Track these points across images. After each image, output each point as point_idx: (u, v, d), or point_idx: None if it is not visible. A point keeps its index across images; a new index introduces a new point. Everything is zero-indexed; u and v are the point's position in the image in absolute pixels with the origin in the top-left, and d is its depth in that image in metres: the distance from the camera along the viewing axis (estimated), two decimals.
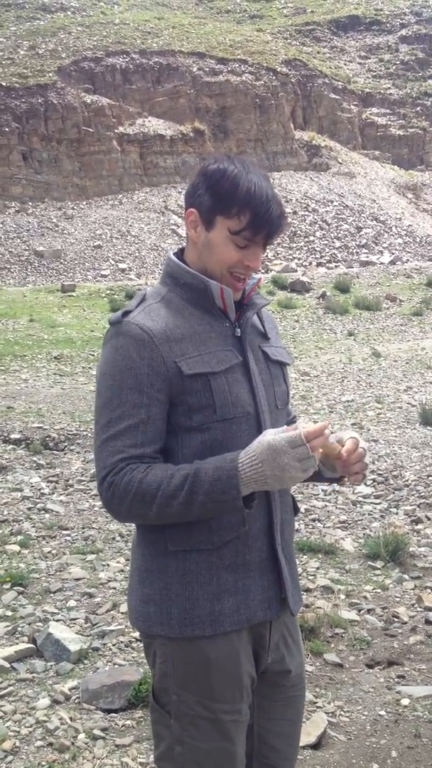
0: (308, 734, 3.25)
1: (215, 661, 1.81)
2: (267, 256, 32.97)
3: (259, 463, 1.67)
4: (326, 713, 3.49)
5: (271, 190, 1.82)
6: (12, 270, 29.85)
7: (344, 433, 1.87)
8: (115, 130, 37.40)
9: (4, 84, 36.12)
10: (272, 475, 1.67)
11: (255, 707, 1.93)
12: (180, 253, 1.95)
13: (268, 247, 1.92)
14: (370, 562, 5.30)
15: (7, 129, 34.99)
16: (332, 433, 1.85)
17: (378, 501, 6.69)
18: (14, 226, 32.73)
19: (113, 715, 3.44)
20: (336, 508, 6.53)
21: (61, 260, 30.77)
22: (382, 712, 3.52)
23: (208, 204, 1.84)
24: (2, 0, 46.91)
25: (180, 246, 1.99)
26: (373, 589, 4.88)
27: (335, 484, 1.98)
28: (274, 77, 41.99)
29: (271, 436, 1.69)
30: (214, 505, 1.71)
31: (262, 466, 1.67)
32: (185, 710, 1.82)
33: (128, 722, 3.38)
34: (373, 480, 7.17)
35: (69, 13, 47.32)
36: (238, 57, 42.11)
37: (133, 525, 1.93)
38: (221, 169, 1.83)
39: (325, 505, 6.57)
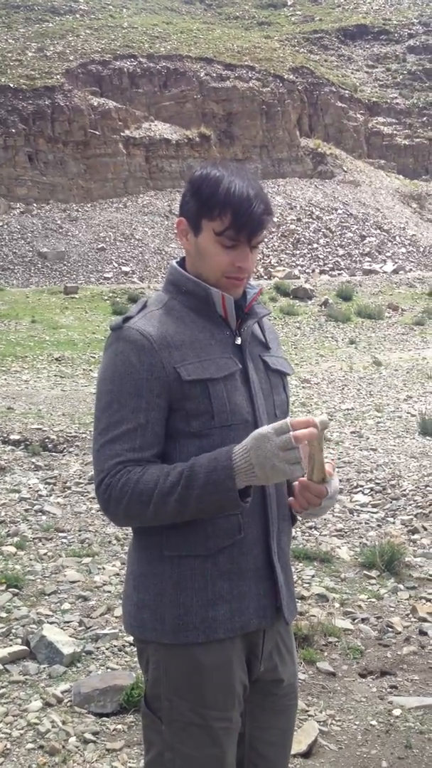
0: (299, 742, 3.25)
1: (208, 668, 1.81)
2: (270, 262, 33.01)
3: (247, 451, 1.68)
4: (318, 722, 3.49)
5: (254, 190, 1.83)
6: (15, 271, 29.88)
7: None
8: (122, 134, 37.47)
9: (11, 85, 36.21)
10: (257, 463, 1.67)
11: (247, 715, 1.93)
12: (183, 262, 1.98)
13: (260, 249, 1.94)
14: (365, 571, 5.30)
15: (13, 130, 35.06)
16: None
17: (375, 510, 6.69)
18: (18, 227, 32.77)
19: (105, 719, 3.44)
20: (333, 516, 6.53)
21: (65, 262, 30.80)
22: (374, 722, 3.52)
23: (193, 210, 1.87)
24: (11, 2, 47.06)
25: (183, 254, 2.01)
26: (368, 599, 4.88)
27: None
28: (281, 84, 42.08)
29: (263, 426, 1.71)
30: (210, 498, 1.71)
31: (250, 453, 1.68)
32: (177, 716, 1.82)
33: (119, 726, 3.38)
34: (371, 489, 7.17)
35: (77, 16, 47.44)
36: (246, 63, 42.19)
37: (130, 529, 1.93)
38: (204, 174, 1.87)
39: None
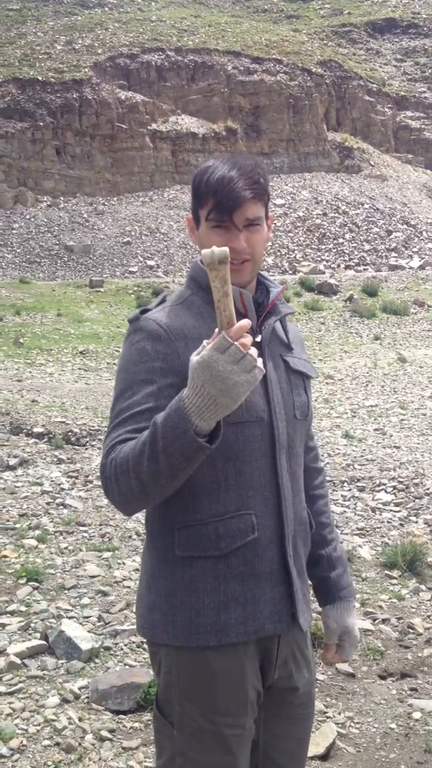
0: (317, 745, 3.21)
1: (220, 673, 1.77)
2: (295, 257, 32.87)
3: (200, 386, 1.58)
4: (336, 724, 3.45)
5: (240, 171, 1.81)
6: (42, 264, 30.05)
7: (345, 618, 2.11)
8: (149, 127, 37.50)
9: (40, 78, 36.36)
10: (218, 390, 1.57)
11: (261, 723, 1.89)
12: None
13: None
14: (387, 571, 5.24)
15: (41, 123, 35.23)
16: None
17: (398, 509, 6.62)
18: (45, 220, 32.93)
19: (122, 716, 3.42)
20: (355, 514, 6.47)
21: (91, 255, 30.91)
22: (393, 725, 3.48)
23: (192, 205, 1.90)
24: None
25: None
26: (389, 599, 4.82)
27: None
28: (309, 78, 41.86)
29: (195, 356, 1.61)
30: (173, 446, 1.61)
31: (204, 387, 1.57)
32: (188, 722, 1.79)
33: (136, 725, 3.37)
34: (394, 487, 7.10)
35: (106, 9, 47.53)
36: (273, 57, 42.03)
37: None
38: (198, 170, 1.88)
39: (344, 512, 6.52)
